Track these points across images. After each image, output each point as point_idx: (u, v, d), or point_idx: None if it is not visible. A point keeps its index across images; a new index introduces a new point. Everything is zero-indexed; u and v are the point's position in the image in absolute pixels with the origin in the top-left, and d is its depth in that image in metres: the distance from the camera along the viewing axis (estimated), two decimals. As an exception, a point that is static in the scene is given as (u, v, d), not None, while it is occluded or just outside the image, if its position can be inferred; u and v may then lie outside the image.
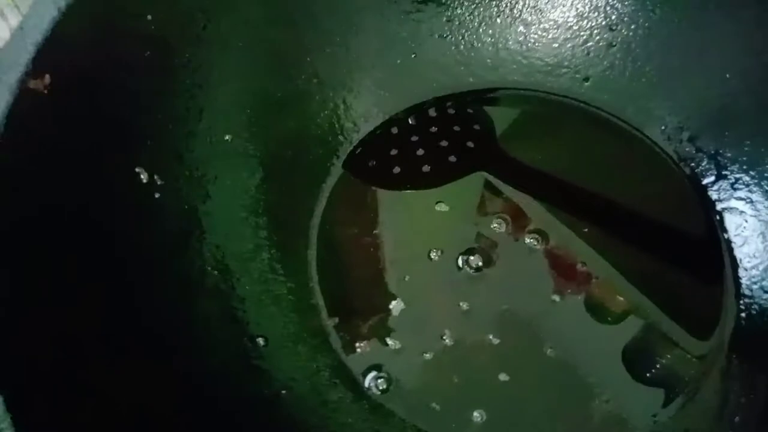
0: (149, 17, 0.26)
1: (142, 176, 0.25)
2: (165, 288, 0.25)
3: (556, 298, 0.29)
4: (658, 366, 0.28)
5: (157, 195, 0.26)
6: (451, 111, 0.35)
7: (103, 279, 0.23)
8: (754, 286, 0.29)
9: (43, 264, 0.21)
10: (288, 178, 0.31)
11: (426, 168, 0.34)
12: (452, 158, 0.34)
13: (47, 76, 0.22)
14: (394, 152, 0.34)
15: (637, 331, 0.29)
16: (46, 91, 0.22)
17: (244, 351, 0.26)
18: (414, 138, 0.34)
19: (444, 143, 0.34)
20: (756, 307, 0.28)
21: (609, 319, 0.29)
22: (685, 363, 0.28)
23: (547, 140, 0.35)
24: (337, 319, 0.28)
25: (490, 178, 0.33)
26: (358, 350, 0.28)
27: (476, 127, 0.35)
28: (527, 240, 0.30)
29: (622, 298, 0.29)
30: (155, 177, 0.26)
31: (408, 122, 0.35)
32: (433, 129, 0.35)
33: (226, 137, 0.29)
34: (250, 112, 0.30)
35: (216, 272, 0.27)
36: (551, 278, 0.30)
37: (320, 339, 0.28)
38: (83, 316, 0.22)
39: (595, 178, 0.33)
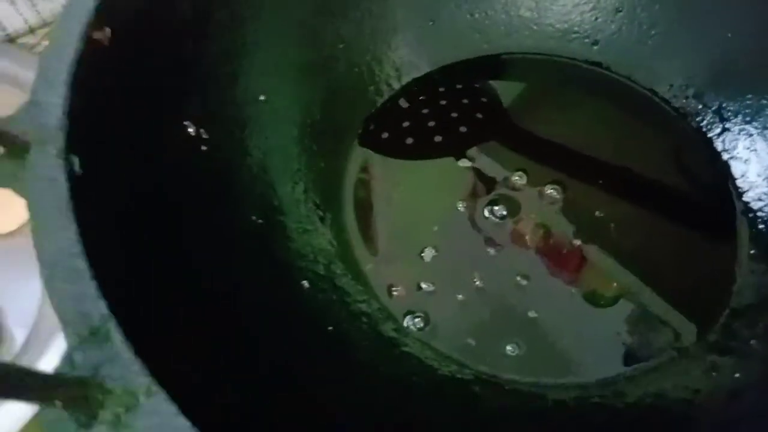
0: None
1: (190, 129, 0.27)
2: (211, 236, 0.27)
3: (578, 242, 0.31)
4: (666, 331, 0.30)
5: (203, 147, 0.27)
6: (459, 86, 0.37)
7: (157, 227, 0.25)
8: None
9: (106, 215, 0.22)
10: (320, 138, 0.32)
11: (438, 138, 0.35)
12: (463, 129, 0.36)
13: (107, 29, 0.23)
14: (405, 125, 0.36)
15: (649, 295, 0.30)
16: (107, 43, 0.23)
17: (290, 294, 0.27)
18: (425, 111, 0.36)
19: (454, 114, 0.36)
20: None
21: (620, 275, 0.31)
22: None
23: (556, 106, 0.37)
24: (374, 264, 0.30)
25: (502, 148, 0.35)
26: (395, 294, 0.29)
27: (483, 99, 0.37)
28: (548, 190, 0.32)
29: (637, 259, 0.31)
30: (201, 131, 0.27)
31: (418, 96, 0.36)
32: (443, 102, 0.37)
33: (261, 97, 0.31)
34: (283, 75, 0.32)
35: (261, 221, 0.28)
36: (571, 223, 0.31)
37: (360, 283, 0.29)
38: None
39: (605, 137, 0.35)
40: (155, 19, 0.25)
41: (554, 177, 0.33)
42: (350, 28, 0.34)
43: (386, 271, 0.30)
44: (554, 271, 0.30)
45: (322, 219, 0.30)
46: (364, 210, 0.32)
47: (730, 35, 0.33)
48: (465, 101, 0.36)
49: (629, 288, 0.30)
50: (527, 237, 0.31)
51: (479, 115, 0.36)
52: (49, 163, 0.19)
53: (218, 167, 0.28)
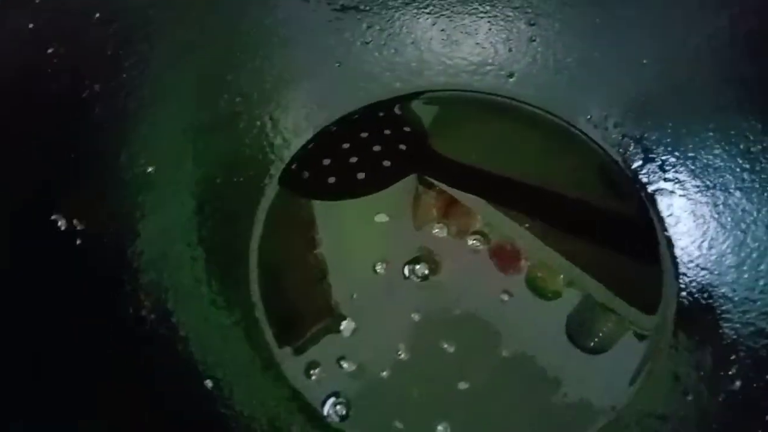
0: (50, 50, 0.24)
1: (59, 223, 0.24)
2: (100, 340, 0.24)
3: (505, 297, 0.29)
4: (609, 350, 0.28)
5: (78, 241, 0.24)
6: (381, 114, 0.35)
7: (33, 340, 0.22)
8: (691, 264, 0.30)
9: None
10: (221, 204, 0.30)
11: (361, 175, 0.33)
12: (386, 162, 0.33)
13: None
14: (327, 162, 0.33)
15: (586, 314, 0.29)
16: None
17: (195, 395, 0.25)
18: (346, 145, 0.34)
19: (377, 148, 0.34)
20: (695, 284, 0.29)
21: (553, 300, 0.29)
22: (634, 344, 0.28)
23: (478, 137, 0.35)
24: (288, 348, 0.27)
25: (426, 178, 0.33)
26: (313, 378, 0.27)
27: (406, 129, 0.35)
28: (470, 242, 0.30)
29: (568, 284, 0.29)
30: (74, 222, 0.24)
31: (338, 130, 0.34)
32: (364, 135, 0.34)
33: (149, 169, 0.28)
34: (174, 140, 0.29)
35: (153, 315, 0.25)
36: (498, 276, 0.30)
37: (273, 371, 0.27)
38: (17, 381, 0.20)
39: (529, 170, 0.33)
40: (4, 102, 0.22)
41: (476, 225, 0.31)
42: (249, 79, 0.32)
43: (302, 352, 0.27)
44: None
45: (226, 301, 0.27)
46: (274, 285, 0.29)
47: (645, 62, 0.32)
48: (379, 145, 0.34)
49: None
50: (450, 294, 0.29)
51: (399, 153, 0.34)
52: None
53: (99, 260, 0.25)
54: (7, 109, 0.22)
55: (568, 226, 0.32)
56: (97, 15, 0.26)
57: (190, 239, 0.28)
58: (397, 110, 0.35)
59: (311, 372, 0.27)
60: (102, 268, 0.25)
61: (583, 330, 0.29)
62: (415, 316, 0.28)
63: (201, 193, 0.29)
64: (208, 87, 0.30)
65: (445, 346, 0.28)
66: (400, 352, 0.28)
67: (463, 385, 0.27)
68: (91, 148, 0.26)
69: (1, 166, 0.22)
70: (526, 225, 0.31)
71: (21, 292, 0.22)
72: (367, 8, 0.34)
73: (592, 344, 0.28)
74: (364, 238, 0.31)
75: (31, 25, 0.23)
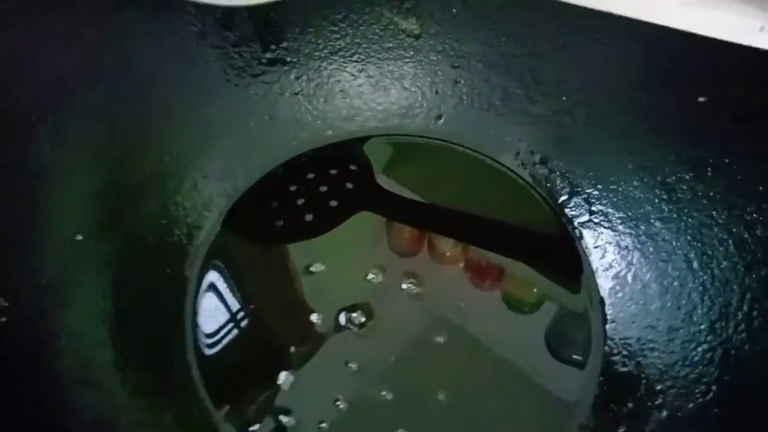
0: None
1: (-17, 303, 0.23)
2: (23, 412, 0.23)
3: (441, 339, 0.29)
4: (541, 392, 0.29)
5: (3, 319, 0.24)
6: (326, 155, 0.35)
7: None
8: (617, 295, 0.31)
9: None
10: (151, 268, 0.30)
11: (309, 217, 0.33)
12: (333, 202, 0.34)
13: None
14: (274, 204, 0.34)
15: (516, 354, 0.29)
16: None
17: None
18: (293, 188, 0.34)
19: (323, 188, 0.34)
20: (621, 315, 0.30)
21: (481, 345, 0.30)
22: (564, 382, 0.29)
23: (418, 173, 0.36)
24: (226, 408, 0.27)
25: (361, 220, 0.33)
26: (252, 435, 0.27)
27: (353, 167, 0.35)
28: (404, 285, 0.31)
29: (497, 322, 0.30)
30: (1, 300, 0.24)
31: (284, 173, 0.34)
32: (310, 176, 0.35)
33: (78, 237, 0.28)
34: (100, 205, 0.29)
35: (80, 386, 0.25)
36: (433, 319, 0.30)
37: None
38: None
39: (464, 206, 0.34)
40: None
41: (411, 269, 0.31)
42: (176, 137, 0.32)
43: (240, 411, 0.27)
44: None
45: (158, 368, 0.27)
46: (206, 347, 0.29)
47: (565, 99, 0.33)
48: (318, 190, 0.34)
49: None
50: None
51: (334, 198, 0.34)
52: None
53: (20, 339, 0.24)
54: None
55: (502, 261, 0.32)
56: (7, 79, 0.26)
57: (120, 305, 0.28)
58: (332, 155, 0.35)
59: (250, 430, 0.27)
60: (25, 346, 0.24)
61: (513, 374, 0.29)
62: (353, 365, 0.29)
63: (130, 256, 0.29)
64: (131, 149, 0.30)
65: (384, 393, 0.28)
66: (339, 402, 0.28)
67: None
68: (9, 220, 0.25)
69: None
70: (461, 264, 0.32)
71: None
72: (294, 60, 0.34)
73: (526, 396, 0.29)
74: (299, 290, 0.31)
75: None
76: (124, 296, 0.28)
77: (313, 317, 0.30)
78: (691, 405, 0.25)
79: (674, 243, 0.30)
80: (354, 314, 0.30)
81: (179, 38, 0.31)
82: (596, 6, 0.28)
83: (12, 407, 0.23)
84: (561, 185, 0.34)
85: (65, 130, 0.27)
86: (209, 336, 0.29)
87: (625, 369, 0.28)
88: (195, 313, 0.30)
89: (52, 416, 0.24)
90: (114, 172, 0.29)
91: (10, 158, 0.25)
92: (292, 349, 0.29)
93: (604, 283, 0.31)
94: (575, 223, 0.33)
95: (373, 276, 0.31)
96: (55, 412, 0.24)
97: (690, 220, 0.29)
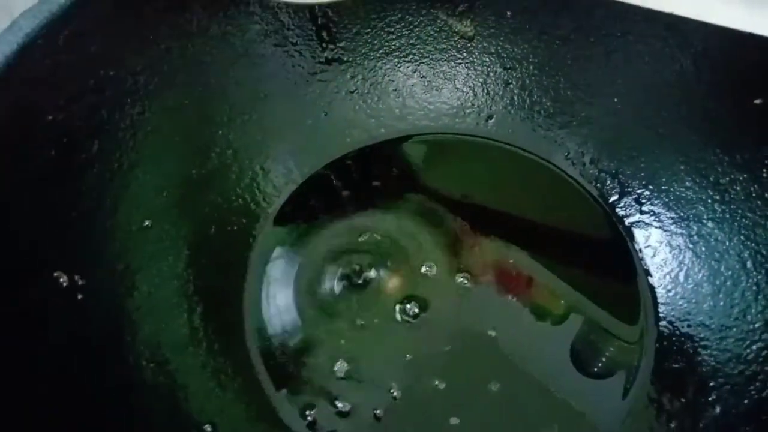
0: (50, 117, 0.25)
1: (61, 280, 0.25)
2: (100, 390, 0.25)
3: (492, 333, 0.30)
4: (595, 380, 0.29)
5: (80, 296, 0.25)
6: (369, 156, 0.36)
7: (36, 391, 0.22)
8: (669, 293, 0.31)
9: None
10: (215, 254, 0.31)
11: (352, 210, 0.34)
12: (386, 198, 0.35)
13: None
14: (329, 198, 0.35)
15: (569, 349, 0.30)
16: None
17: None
18: (345, 182, 0.35)
19: (376, 184, 0.35)
20: (674, 313, 0.30)
21: (539, 338, 0.30)
22: (618, 375, 0.29)
23: (464, 175, 0.36)
24: (284, 391, 0.28)
25: (414, 215, 0.34)
26: (309, 419, 0.28)
27: (394, 169, 0.36)
28: (458, 279, 0.31)
29: (551, 316, 0.31)
30: (76, 278, 0.25)
31: (329, 172, 0.35)
32: (363, 171, 0.36)
33: (146, 223, 0.29)
34: (167, 195, 0.30)
35: (153, 364, 0.26)
36: (486, 311, 0.31)
37: (270, 415, 0.27)
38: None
39: (513, 206, 0.35)
40: (8, 168, 0.23)
41: (463, 264, 0.32)
42: (238, 133, 0.33)
43: (297, 395, 0.28)
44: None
45: (222, 348, 0.28)
46: (268, 329, 0.30)
47: (617, 100, 0.34)
48: (370, 185, 0.35)
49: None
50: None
51: (386, 194, 0.35)
52: None
53: (100, 314, 0.26)
54: (11, 174, 0.23)
55: (551, 259, 0.33)
56: (92, 82, 0.27)
57: (187, 290, 0.29)
58: (384, 152, 0.36)
59: (307, 413, 0.28)
60: (102, 321, 0.26)
61: (563, 364, 0.29)
62: (408, 355, 0.29)
63: (195, 243, 0.30)
64: (199, 143, 0.32)
65: (437, 383, 0.29)
66: (392, 391, 0.28)
67: (454, 421, 0.28)
68: (89, 206, 0.27)
69: (4, 227, 0.23)
70: (510, 261, 0.33)
71: (25, 345, 0.23)
72: (350, 59, 0.36)
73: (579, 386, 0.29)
74: (354, 280, 0.32)
75: (31, 96, 0.24)
76: (189, 282, 0.29)
77: (368, 308, 0.31)
78: (746, 401, 0.26)
79: (727, 243, 0.30)
80: (408, 305, 0.31)
81: (244, 38, 0.32)
82: (653, 5, 0.29)
83: (89, 379, 0.24)
84: (611, 185, 0.34)
85: (143, 125, 0.29)
86: (269, 320, 0.30)
87: (677, 366, 0.28)
88: (256, 299, 0.31)
89: (121, 391, 0.25)
90: (183, 164, 0.31)
91: (95, 149, 0.26)
92: (347, 337, 0.30)
93: (656, 282, 0.31)
94: (626, 223, 0.33)
95: (427, 269, 0.32)
96: (127, 389, 0.25)
97: (744, 220, 0.30)
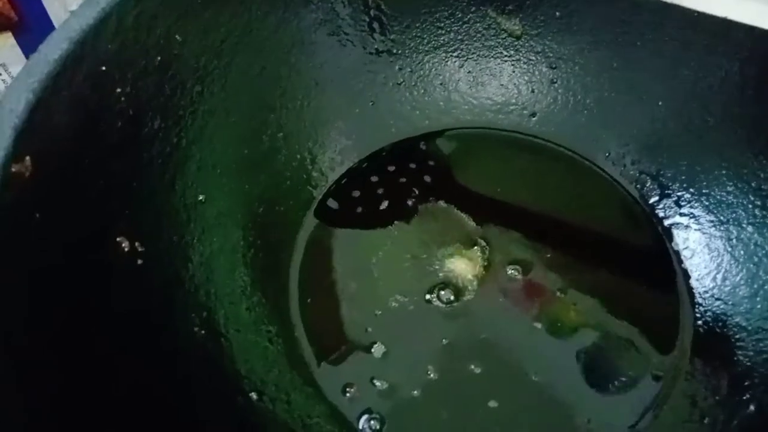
0: (119, 90, 0.26)
1: (123, 245, 0.26)
2: (151, 352, 0.26)
3: (538, 325, 0.31)
4: (628, 377, 0.30)
5: (139, 261, 0.26)
6: (408, 149, 0.37)
7: (90, 347, 0.23)
8: (706, 294, 0.31)
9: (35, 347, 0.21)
10: (263, 232, 0.32)
11: (387, 204, 0.35)
12: (412, 193, 0.36)
13: (28, 159, 0.22)
14: (356, 194, 0.36)
15: (603, 346, 0.30)
16: (27, 174, 0.22)
17: (238, 408, 0.26)
18: (374, 178, 0.36)
19: (403, 180, 0.36)
20: (710, 313, 0.30)
21: (574, 335, 0.31)
22: (652, 370, 0.30)
23: (501, 171, 0.37)
24: (325, 367, 0.29)
25: (450, 209, 0.35)
26: (348, 395, 0.29)
27: (431, 162, 0.37)
28: (493, 272, 0.32)
29: (586, 316, 0.31)
30: (136, 244, 0.26)
31: (366, 163, 0.36)
32: (391, 168, 0.37)
33: (200, 197, 0.30)
34: (221, 173, 0.31)
35: (204, 332, 0.27)
36: (523, 303, 0.31)
37: (311, 387, 0.28)
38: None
39: (550, 203, 0.35)
40: (80, 137, 0.25)
41: (503, 254, 0.33)
42: (289, 117, 0.34)
43: (338, 371, 0.29)
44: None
45: (268, 321, 0.29)
46: (312, 308, 0.31)
47: (660, 104, 0.34)
48: (411, 176, 0.36)
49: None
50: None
51: (425, 185, 0.36)
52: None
53: (156, 279, 0.27)
54: (82, 142, 0.25)
55: (587, 257, 0.34)
56: (159, 59, 0.28)
57: (236, 263, 0.30)
58: (422, 146, 0.37)
59: (347, 389, 0.29)
60: (159, 287, 0.27)
61: (603, 364, 0.30)
62: (444, 340, 0.30)
63: (245, 221, 0.32)
64: (252, 125, 0.33)
65: (472, 367, 0.29)
66: (429, 373, 0.29)
67: (492, 404, 0.28)
68: (150, 178, 0.28)
69: (75, 194, 0.24)
70: (548, 255, 0.33)
71: (88, 302, 0.24)
72: (399, 52, 0.37)
73: (612, 380, 0.30)
74: (393, 266, 0.33)
75: (103, 68, 0.25)
76: (239, 256, 0.30)
77: (404, 293, 0.31)
78: (781, 401, 0.26)
79: (766, 248, 0.30)
80: (443, 292, 0.31)
81: (300, 26, 0.33)
82: (703, 9, 0.29)
83: (141, 342, 0.25)
84: (651, 186, 0.35)
85: (201, 104, 0.30)
86: (312, 300, 0.31)
87: (712, 364, 0.29)
88: (301, 278, 0.32)
89: (170, 357, 0.26)
90: (237, 145, 0.32)
91: (158, 125, 0.28)
92: (384, 320, 0.31)
93: (694, 283, 0.32)
94: (665, 224, 0.34)
95: (462, 259, 0.33)
96: (176, 354, 0.27)
97: (785, 226, 0.30)
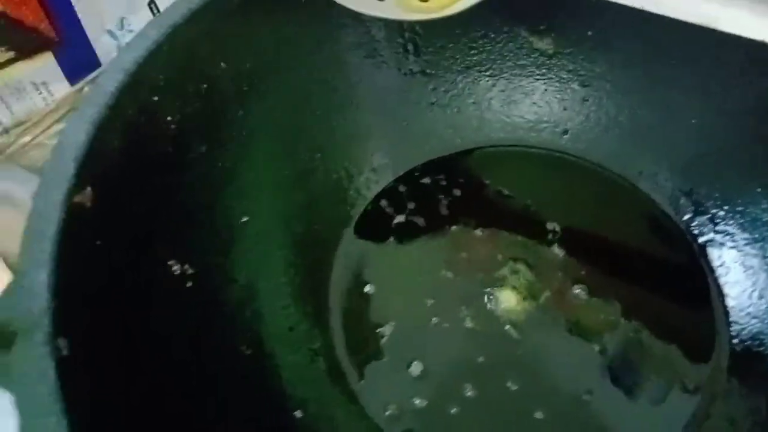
0: (168, 118, 0.27)
1: (174, 268, 0.27)
2: (202, 375, 0.27)
3: (573, 340, 0.31)
4: (664, 394, 0.30)
5: (189, 284, 0.27)
6: (440, 167, 0.38)
7: (145, 370, 0.24)
8: (741, 313, 0.31)
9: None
10: (303, 251, 0.33)
11: (423, 222, 0.36)
12: (448, 211, 0.36)
13: (89, 189, 0.23)
14: (391, 212, 0.36)
15: (640, 362, 0.31)
16: (89, 204, 0.23)
17: (282, 427, 0.27)
18: (409, 196, 0.37)
19: (438, 197, 0.37)
20: (746, 332, 0.31)
21: (609, 350, 0.31)
22: (689, 387, 0.30)
23: (534, 188, 0.38)
24: (365, 383, 0.30)
25: (484, 227, 0.35)
26: (388, 413, 0.29)
27: (464, 180, 0.38)
28: (543, 288, 0.33)
29: (621, 332, 0.31)
30: (185, 266, 0.27)
31: (401, 182, 0.37)
32: (426, 186, 0.37)
33: (244, 218, 0.31)
34: (262, 193, 0.32)
35: (250, 351, 0.28)
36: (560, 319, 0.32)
37: (354, 405, 0.29)
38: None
39: (583, 220, 0.36)
40: (133, 166, 0.26)
41: (531, 276, 0.33)
42: (325, 137, 0.35)
43: (377, 389, 0.30)
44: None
45: (310, 339, 0.30)
46: (351, 325, 0.32)
47: (694, 122, 0.35)
48: (445, 194, 0.37)
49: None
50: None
51: (460, 202, 0.37)
52: (37, 353, 0.19)
53: (204, 300, 0.28)
54: (134, 169, 0.26)
55: (621, 274, 0.34)
56: (204, 86, 0.29)
57: (278, 282, 0.31)
58: (456, 164, 0.38)
59: (387, 407, 0.30)
60: (206, 308, 0.28)
61: (641, 380, 0.30)
62: (480, 358, 0.31)
63: (285, 240, 0.32)
64: (291, 145, 0.34)
65: (509, 384, 0.30)
66: (467, 391, 0.30)
67: (538, 415, 0.29)
68: (196, 200, 0.29)
69: (129, 220, 0.25)
70: (582, 272, 0.34)
71: (137, 324, 0.25)
72: (433, 72, 0.37)
73: (648, 396, 0.30)
74: (429, 285, 0.33)
75: (155, 98, 0.27)
76: (281, 274, 0.31)
77: (441, 313, 0.32)
78: (819, 421, 0.26)
79: (802, 267, 0.30)
80: (478, 309, 0.32)
81: (336, 47, 0.34)
82: (738, 32, 0.29)
83: (188, 364, 0.26)
84: (685, 204, 0.35)
85: (243, 128, 0.31)
86: (352, 319, 0.32)
87: (749, 384, 0.29)
88: (340, 296, 0.32)
89: (216, 377, 0.27)
90: (277, 164, 0.33)
91: (204, 149, 0.29)
92: (422, 338, 0.32)
93: (729, 301, 0.32)
94: (699, 242, 0.34)
95: (496, 278, 0.33)
96: (221, 374, 0.27)
97: (821, 245, 0.30)
